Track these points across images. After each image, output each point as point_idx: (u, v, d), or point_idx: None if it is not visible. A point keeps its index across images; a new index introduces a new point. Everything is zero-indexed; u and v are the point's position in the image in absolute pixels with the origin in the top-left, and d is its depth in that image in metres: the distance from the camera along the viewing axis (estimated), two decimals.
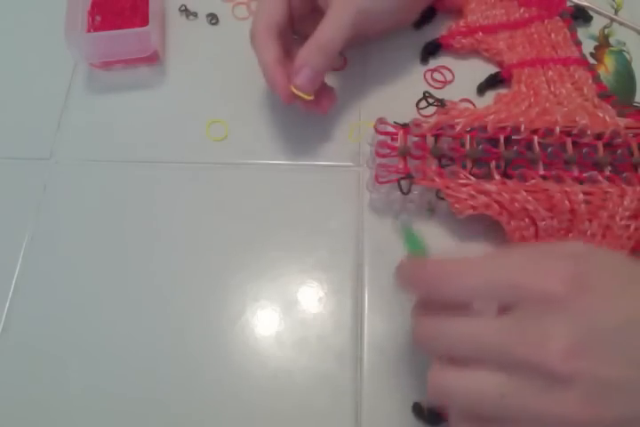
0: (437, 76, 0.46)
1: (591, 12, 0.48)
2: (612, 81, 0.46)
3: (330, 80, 0.45)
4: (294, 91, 0.38)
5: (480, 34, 0.46)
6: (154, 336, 0.38)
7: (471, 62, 0.47)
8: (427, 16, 0.48)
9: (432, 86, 0.46)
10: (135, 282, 0.40)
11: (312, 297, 0.39)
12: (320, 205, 0.42)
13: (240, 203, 0.42)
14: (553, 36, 0.46)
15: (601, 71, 0.46)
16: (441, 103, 0.43)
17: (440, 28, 0.48)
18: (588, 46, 0.47)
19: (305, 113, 0.42)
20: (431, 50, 0.47)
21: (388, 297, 0.39)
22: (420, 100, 0.45)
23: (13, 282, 0.40)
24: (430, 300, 0.29)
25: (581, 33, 0.47)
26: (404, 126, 0.40)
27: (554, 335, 0.24)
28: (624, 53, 0.47)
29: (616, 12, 0.49)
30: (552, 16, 0.47)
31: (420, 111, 0.44)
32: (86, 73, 0.48)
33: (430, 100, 0.44)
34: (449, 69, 0.46)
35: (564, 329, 0.24)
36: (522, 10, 0.48)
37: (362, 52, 0.47)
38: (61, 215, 0.43)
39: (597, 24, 0.48)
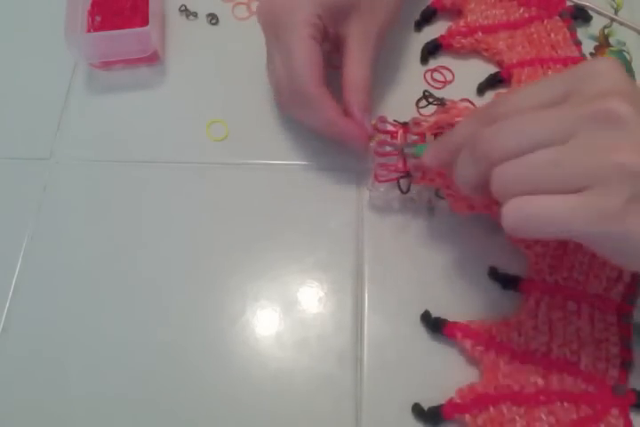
0: (437, 76, 0.46)
1: (591, 12, 0.48)
2: None
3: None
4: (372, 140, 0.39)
5: (480, 34, 0.46)
6: (154, 336, 0.38)
7: (471, 62, 0.47)
8: (427, 16, 0.48)
9: (432, 86, 0.46)
10: (135, 282, 0.40)
11: (312, 297, 0.39)
12: (320, 204, 0.42)
13: (240, 203, 0.42)
14: (553, 35, 0.46)
15: None
16: (441, 102, 0.43)
17: (440, 28, 0.48)
18: (588, 46, 0.47)
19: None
20: (431, 50, 0.47)
21: (388, 297, 0.39)
22: (420, 99, 0.45)
23: (13, 282, 0.40)
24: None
25: (581, 33, 0.47)
26: (404, 125, 0.40)
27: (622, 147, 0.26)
28: (624, 53, 0.47)
29: (616, 12, 0.49)
30: (552, 16, 0.47)
31: (421, 110, 0.44)
32: (86, 73, 0.48)
33: (430, 99, 0.44)
34: (449, 69, 0.46)
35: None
36: (521, 10, 0.48)
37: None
38: (61, 215, 0.43)
39: (597, 24, 0.48)
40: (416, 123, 0.40)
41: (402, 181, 0.39)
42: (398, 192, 0.39)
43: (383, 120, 0.41)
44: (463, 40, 0.47)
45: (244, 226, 0.41)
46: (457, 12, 0.48)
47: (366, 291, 0.39)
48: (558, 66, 0.45)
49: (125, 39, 0.45)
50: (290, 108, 0.41)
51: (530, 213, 0.27)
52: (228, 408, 0.36)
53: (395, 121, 0.41)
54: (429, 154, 0.35)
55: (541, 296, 0.37)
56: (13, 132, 0.46)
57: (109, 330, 0.39)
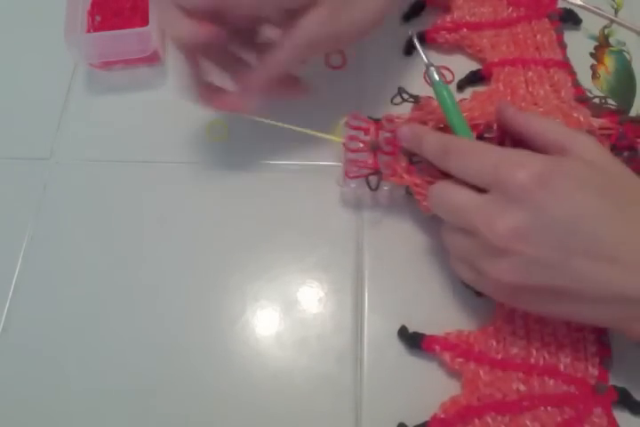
0: None
1: (591, 13, 0.48)
2: (612, 81, 0.46)
3: (330, 79, 0.46)
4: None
5: (465, 30, 0.46)
6: (153, 336, 0.38)
7: (454, 58, 0.47)
8: (415, 9, 0.48)
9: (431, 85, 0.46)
10: (135, 282, 0.40)
11: (312, 297, 0.39)
12: (320, 204, 0.42)
13: (240, 203, 0.42)
14: (538, 37, 0.46)
15: (601, 71, 0.46)
16: (415, 99, 0.43)
17: (428, 23, 0.48)
18: (588, 46, 0.47)
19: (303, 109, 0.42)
20: (414, 43, 0.47)
21: (388, 297, 0.39)
22: (395, 95, 0.43)
23: (13, 282, 0.40)
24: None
25: (581, 33, 0.47)
26: (377, 122, 0.40)
27: (504, 216, 0.30)
28: (624, 53, 0.47)
29: (616, 12, 0.49)
30: (540, 17, 0.47)
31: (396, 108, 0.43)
32: (86, 73, 0.48)
33: (405, 96, 0.43)
34: (448, 69, 0.46)
35: (514, 212, 0.30)
36: (510, 9, 0.47)
37: (362, 52, 0.47)
38: (61, 215, 0.43)
39: (597, 24, 0.48)
40: (388, 120, 0.40)
41: (371, 178, 0.38)
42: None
43: (356, 117, 0.40)
44: (447, 35, 0.46)
45: (244, 226, 0.41)
46: (445, 8, 0.48)
47: (366, 291, 0.39)
48: (539, 67, 0.44)
49: (125, 39, 0.44)
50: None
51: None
52: (227, 408, 0.36)
53: (369, 117, 0.40)
54: (404, 132, 0.38)
55: None
56: (13, 132, 0.46)
57: (109, 330, 0.39)
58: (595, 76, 0.46)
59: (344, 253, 0.40)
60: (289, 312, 0.39)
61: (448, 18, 0.47)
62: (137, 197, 0.43)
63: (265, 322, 0.39)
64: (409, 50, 0.47)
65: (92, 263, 0.41)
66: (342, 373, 0.37)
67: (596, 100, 0.44)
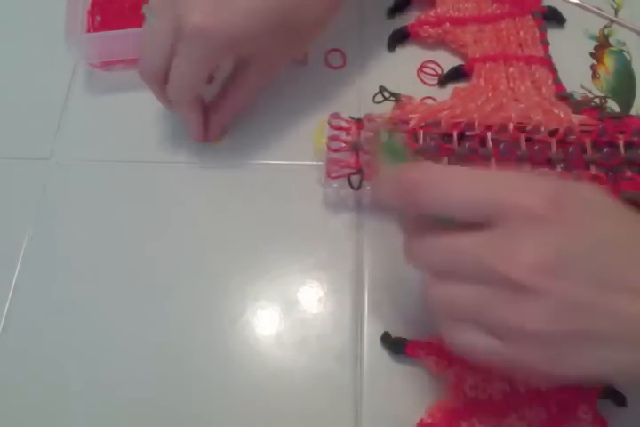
0: (429, 72, 0.46)
1: (591, 13, 0.48)
2: (612, 81, 0.46)
3: (330, 79, 0.46)
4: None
5: (448, 25, 0.46)
6: (154, 336, 0.38)
7: (437, 53, 0.47)
8: (400, 4, 0.48)
9: (425, 83, 0.46)
10: (135, 282, 0.40)
11: (312, 297, 0.39)
12: (320, 205, 0.42)
13: (240, 203, 0.42)
14: (522, 33, 0.46)
15: (601, 71, 0.46)
16: (395, 98, 0.42)
17: (413, 18, 0.48)
18: (588, 46, 0.47)
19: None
20: (398, 38, 0.47)
21: (388, 297, 0.39)
22: (376, 94, 0.44)
23: (13, 282, 0.40)
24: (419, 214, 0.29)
25: (581, 33, 0.47)
26: (358, 121, 0.40)
27: (525, 249, 0.25)
28: (624, 53, 0.47)
29: (616, 12, 0.49)
30: (524, 14, 0.47)
31: (377, 106, 0.43)
32: (86, 73, 0.48)
33: (385, 95, 0.43)
34: (437, 64, 0.46)
35: (536, 244, 0.25)
36: (494, 6, 0.47)
37: (360, 52, 0.47)
38: (61, 215, 0.43)
39: (597, 24, 0.48)
40: (369, 119, 0.40)
41: (352, 177, 0.38)
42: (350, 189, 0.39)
43: (336, 117, 0.40)
44: (431, 30, 0.46)
45: (244, 226, 0.41)
46: (430, 3, 0.48)
47: (366, 291, 0.39)
48: (521, 64, 0.44)
49: (125, 39, 0.44)
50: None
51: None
52: (227, 407, 0.36)
53: (350, 117, 0.40)
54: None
55: None
56: (13, 132, 0.46)
57: (109, 330, 0.39)
58: (595, 76, 0.46)
59: (344, 254, 0.40)
60: (289, 312, 0.39)
61: (432, 12, 0.47)
62: (137, 197, 0.43)
63: (265, 322, 0.39)
64: (393, 46, 0.47)
65: (92, 263, 0.41)
66: (342, 372, 0.37)
67: (597, 101, 0.44)
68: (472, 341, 0.26)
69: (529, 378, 0.33)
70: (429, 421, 0.34)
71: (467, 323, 0.27)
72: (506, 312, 0.25)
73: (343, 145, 0.39)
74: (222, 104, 0.42)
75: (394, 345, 0.37)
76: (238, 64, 0.40)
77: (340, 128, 0.40)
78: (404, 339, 0.36)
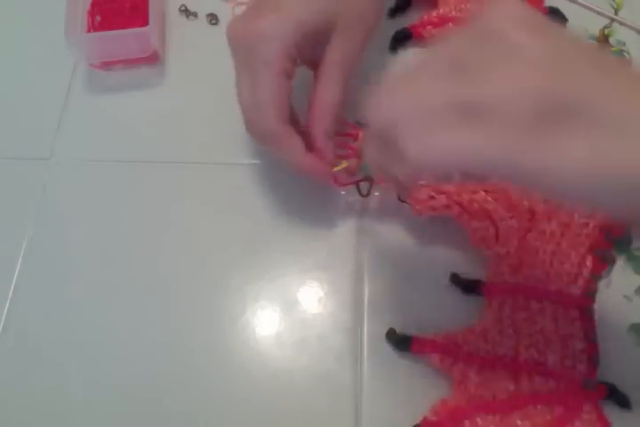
0: None
1: (591, 12, 0.48)
2: None
3: None
4: (335, 169, 0.37)
5: (451, 25, 0.46)
6: (154, 336, 0.38)
7: None
8: (402, 4, 0.48)
9: None
10: (135, 282, 0.40)
11: (312, 297, 0.39)
12: (320, 205, 0.42)
13: (240, 203, 0.42)
14: None
15: None
16: None
17: (414, 18, 0.47)
18: None
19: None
20: (401, 39, 0.46)
21: (388, 297, 0.39)
22: None
23: (13, 282, 0.40)
24: None
25: (582, 33, 0.47)
26: (364, 126, 0.40)
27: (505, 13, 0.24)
28: (624, 53, 0.47)
29: (616, 12, 0.49)
30: None
31: None
32: (86, 73, 0.48)
33: None
34: None
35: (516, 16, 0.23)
36: None
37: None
38: (61, 215, 0.43)
39: (597, 24, 0.48)
40: None
41: (361, 184, 0.38)
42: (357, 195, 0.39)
43: (343, 122, 0.40)
44: (434, 31, 0.46)
45: (245, 226, 0.41)
46: (432, 3, 0.48)
47: (366, 291, 0.39)
48: None
49: (125, 39, 0.45)
50: (255, 137, 0.38)
51: (433, 145, 0.24)
52: (227, 406, 0.36)
53: (356, 122, 0.40)
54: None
55: (504, 298, 0.37)
56: (13, 132, 0.46)
57: (109, 329, 0.39)
58: None
59: (344, 254, 0.40)
60: (289, 312, 0.39)
61: (434, 13, 0.47)
62: (137, 197, 0.43)
63: (265, 322, 0.39)
64: (394, 47, 0.47)
65: (92, 263, 0.41)
66: (342, 372, 0.37)
67: None
68: (452, 141, 0.23)
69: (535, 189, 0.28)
70: (434, 419, 0.34)
71: (439, 124, 0.23)
72: (490, 76, 0.23)
73: (349, 151, 0.39)
74: (317, 105, 0.37)
75: (399, 342, 0.37)
76: (317, 46, 0.36)
77: (346, 134, 0.40)
78: (410, 336, 0.36)
